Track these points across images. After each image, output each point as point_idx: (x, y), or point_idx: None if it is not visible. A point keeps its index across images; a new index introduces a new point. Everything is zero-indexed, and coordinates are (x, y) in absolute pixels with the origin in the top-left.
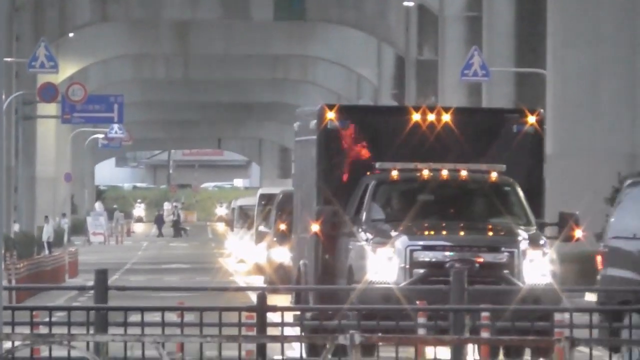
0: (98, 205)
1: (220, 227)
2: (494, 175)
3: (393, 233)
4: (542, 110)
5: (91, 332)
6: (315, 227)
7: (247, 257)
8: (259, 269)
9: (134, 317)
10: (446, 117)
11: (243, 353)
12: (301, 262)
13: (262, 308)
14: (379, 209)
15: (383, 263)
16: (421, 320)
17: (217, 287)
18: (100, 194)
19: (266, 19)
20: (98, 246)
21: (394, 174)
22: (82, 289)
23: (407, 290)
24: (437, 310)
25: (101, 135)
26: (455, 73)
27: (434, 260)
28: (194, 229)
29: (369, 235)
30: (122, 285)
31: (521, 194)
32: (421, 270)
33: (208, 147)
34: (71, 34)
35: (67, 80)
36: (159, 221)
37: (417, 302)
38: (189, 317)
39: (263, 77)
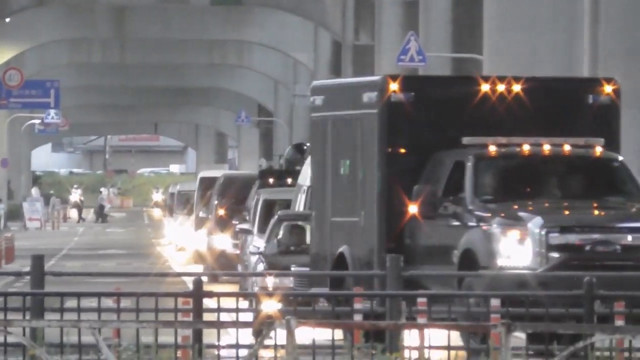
0: (34, 191)
1: (157, 212)
2: (598, 149)
3: (522, 214)
4: (617, 79)
5: (27, 317)
6: (413, 209)
7: (186, 245)
8: (199, 257)
9: (71, 303)
10: (517, 88)
11: (179, 339)
12: (343, 248)
13: (198, 294)
14: (483, 187)
15: (514, 247)
16: (357, 306)
17: (154, 273)
18: (36, 180)
19: (203, 4)
20: (34, 232)
21: (493, 149)
22: (18, 274)
23: (545, 277)
24: (374, 295)
25: (38, 121)
26: (391, 58)
27: (573, 243)
28: (130, 215)
29: (487, 216)
30: (59, 270)
31: (630, 169)
32: (557, 255)
33: (145, 132)
34: (7, 19)
35: (3, 65)
36: (100, 212)
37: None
38: (126, 302)
39: (200, 62)
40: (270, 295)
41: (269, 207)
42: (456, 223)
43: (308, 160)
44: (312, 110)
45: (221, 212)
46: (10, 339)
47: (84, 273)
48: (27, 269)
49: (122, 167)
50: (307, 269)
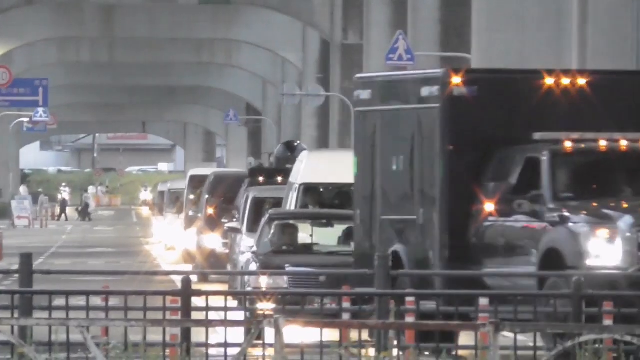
0: (23, 189)
1: (145, 211)
2: None
3: (609, 212)
4: None
5: (16, 316)
6: (489, 207)
7: (176, 244)
8: (188, 256)
9: (59, 301)
10: (582, 82)
11: (168, 337)
12: (397, 247)
13: (186, 292)
14: (560, 184)
15: (604, 246)
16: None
17: (143, 272)
18: (24, 178)
19: (191, 3)
20: (23, 230)
21: (568, 145)
22: (6, 272)
23: (637, 277)
24: (362, 294)
25: (26, 119)
26: (380, 57)
27: None
28: (119, 213)
29: (571, 215)
30: (47, 269)
31: None
32: None
33: (133, 131)
34: None
35: None
36: (85, 210)
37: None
38: (114, 301)
39: (188, 60)
40: (263, 295)
41: (258, 206)
42: (534, 221)
43: (300, 158)
44: (356, 104)
45: (211, 210)
46: None
47: (73, 271)
48: (16, 267)
49: (111, 165)
50: (304, 268)
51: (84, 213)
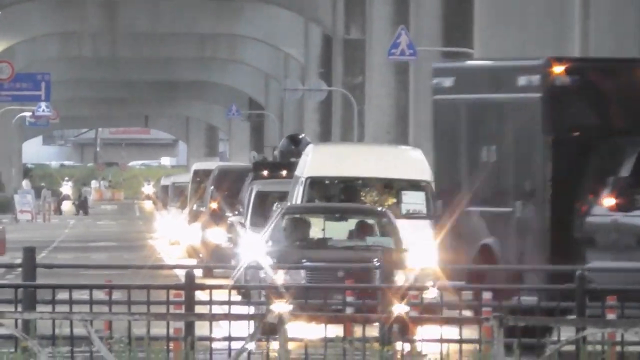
0: (25, 183)
1: (148, 205)
2: None
3: None
4: None
5: (19, 309)
6: (609, 201)
7: (180, 238)
8: (193, 251)
9: (62, 295)
10: None
11: (171, 331)
12: (488, 240)
13: (190, 286)
14: None
15: None
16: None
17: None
18: (27, 172)
19: None
20: (25, 224)
21: None
22: (9, 266)
23: None
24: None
25: (28, 114)
26: (382, 52)
27: None
28: (122, 207)
29: None
30: (50, 263)
31: None
32: None
33: (135, 126)
34: None
35: None
36: (83, 204)
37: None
38: (117, 295)
39: (190, 55)
40: (271, 290)
41: (262, 200)
42: None
43: (305, 151)
44: (436, 92)
45: (215, 204)
46: (2, 331)
47: (76, 265)
48: (19, 261)
49: (113, 159)
50: (322, 263)
51: (81, 206)
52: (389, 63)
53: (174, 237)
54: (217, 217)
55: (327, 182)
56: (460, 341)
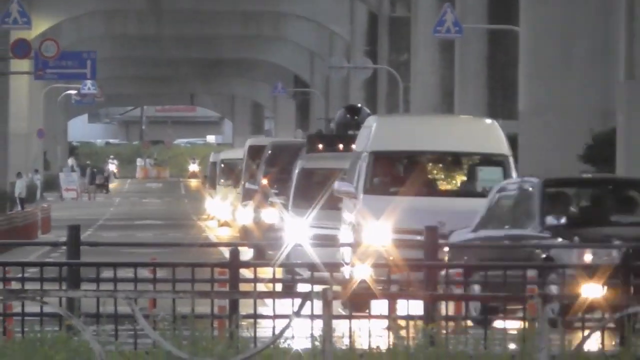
0: (71, 161)
1: (193, 183)
2: None
3: None
4: None
5: (64, 287)
6: None
7: (230, 219)
8: (245, 233)
9: (107, 273)
10: None
11: (216, 309)
12: None
13: (234, 264)
14: None
15: None
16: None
17: (190, 243)
18: (72, 150)
19: None
20: (70, 202)
21: None
22: (54, 244)
23: None
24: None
25: (74, 92)
26: (428, 30)
27: None
28: (167, 185)
29: None
30: (95, 241)
31: None
32: None
33: (181, 103)
34: None
35: (39, 36)
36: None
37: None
38: (162, 273)
39: (235, 33)
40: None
41: (307, 178)
42: None
43: (366, 123)
44: None
45: (263, 181)
46: (47, 309)
47: (120, 243)
48: (64, 239)
49: (159, 138)
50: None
51: (103, 186)
52: (435, 40)
53: (223, 217)
54: (267, 197)
55: (393, 157)
56: (505, 318)
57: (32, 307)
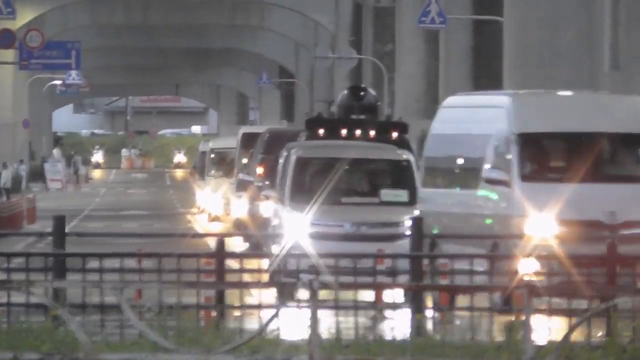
0: (56, 152)
1: (179, 173)
2: None
3: None
4: None
5: (49, 278)
6: None
7: (222, 212)
8: (239, 227)
9: (93, 264)
10: None
11: (202, 299)
12: None
13: (220, 254)
14: None
15: None
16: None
17: (175, 234)
18: (58, 141)
19: None
20: (56, 192)
21: None
22: (40, 235)
23: None
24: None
25: (59, 82)
26: (412, 20)
27: None
28: (152, 176)
29: None
30: (80, 231)
31: None
32: None
33: (166, 93)
34: None
35: (24, 26)
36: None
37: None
38: (148, 263)
39: (221, 23)
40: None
41: (304, 169)
42: None
43: (484, 102)
44: None
45: (258, 170)
46: (33, 299)
47: (106, 234)
48: (49, 229)
49: (144, 128)
50: None
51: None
52: (419, 31)
53: (214, 211)
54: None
55: (546, 139)
56: (491, 310)
57: (17, 298)
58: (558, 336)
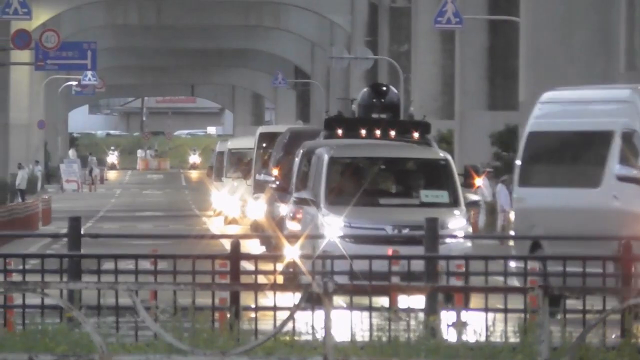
0: (71, 153)
1: (194, 174)
2: None
3: None
4: None
5: (64, 279)
6: None
7: (239, 215)
8: (256, 230)
9: (108, 265)
10: None
11: (217, 301)
12: None
13: (235, 256)
14: None
15: None
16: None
17: (191, 235)
18: (73, 141)
19: None
20: (71, 194)
21: None
22: (55, 236)
23: None
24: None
25: (74, 82)
26: (428, 20)
27: None
28: (168, 177)
29: None
30: (96, 232)
31: None
32: None
33: (181, 94)
34: None
35: (40, 27)
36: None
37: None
38: (163, 264)
39: (236, 23)
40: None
41: (337, 171)
42: None
43: (610, 96)
44: None
45: (274, 172)
46: (48, 301)
47: (121, 235)
48: (64, 231)
49: (159, 129)
50: None
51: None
52: (435, 31)
53: (231, 213)
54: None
55: None
56: (505, 310)
57: (33, 299)
58: (573, 338)
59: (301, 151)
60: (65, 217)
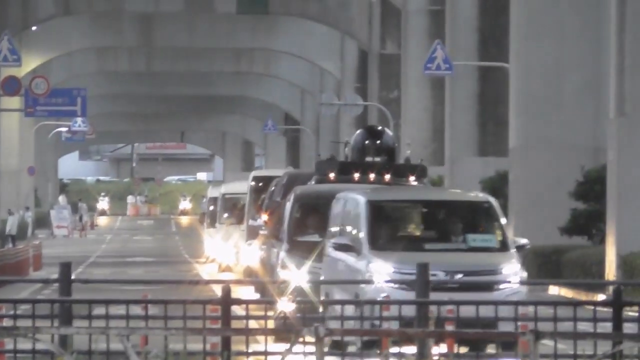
0: (61, 199)
1: (184, 220)
2: None
3: None
4: None
5: (56, 324)
6: None
7: (234, 262)
8: (250, 276)
9: (99, 310)
10: None
11: (208, 346)
12: None
13: (226, 301)
14: None
15: None
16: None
17: (182, 280)
18: (63, 187)
19: (229, 12)
20: (62, 239)
21: None
22: (46, 281)
23: None
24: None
25: (64, 129)
26: (418, 67)
27: None
28: (158, 222)
29: None
30: (87, 278)
31: None
32: None
33: (171, 141)
34: (34, 28)
35: (30, 73)
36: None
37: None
38: (154, 310)
39: (226, 70)
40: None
41: (381, 213)
42: None
43: None
44: None
45: (263, 217)
46: (39, 346)
47: (112, 280)
48: (55, 276)
49: (149, 175)
50: None
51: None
52: (425, 77)
53: (225, 260)
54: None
55: None
56: (497, 355)
57: (24, 344)
58: None
59: (292, 196)
60: (56, 263)
